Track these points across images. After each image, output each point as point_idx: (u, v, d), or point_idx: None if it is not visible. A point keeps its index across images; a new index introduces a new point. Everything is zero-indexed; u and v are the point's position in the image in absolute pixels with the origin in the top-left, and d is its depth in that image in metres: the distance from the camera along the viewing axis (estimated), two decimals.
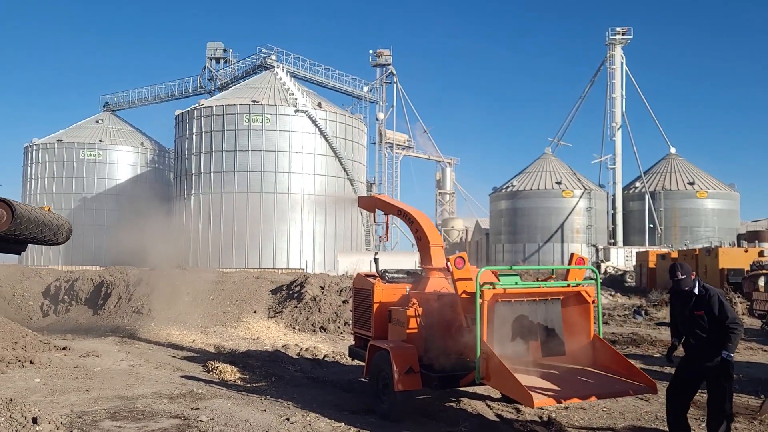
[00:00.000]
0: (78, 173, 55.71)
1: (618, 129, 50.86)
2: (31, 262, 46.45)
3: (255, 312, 16.90)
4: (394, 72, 59.97)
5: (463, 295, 6.86)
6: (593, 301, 7.07)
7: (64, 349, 12.42)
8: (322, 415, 7.70)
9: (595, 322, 7.10)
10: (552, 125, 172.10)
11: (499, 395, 8.77)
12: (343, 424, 7.37)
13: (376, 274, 8.89)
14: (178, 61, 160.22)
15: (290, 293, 17.50)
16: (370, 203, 10.07)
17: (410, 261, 41.50)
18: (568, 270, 7.33)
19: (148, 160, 59.94)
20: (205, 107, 48.80)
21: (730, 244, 39.34)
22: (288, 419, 7.52)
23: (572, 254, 7.58)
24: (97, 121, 60.00)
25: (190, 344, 13.17)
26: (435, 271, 8.59)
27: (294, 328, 15.52)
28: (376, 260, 9.30)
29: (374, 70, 60.23)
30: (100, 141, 56.84)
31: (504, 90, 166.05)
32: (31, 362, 10.84)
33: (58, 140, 56.45)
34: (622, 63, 51.13)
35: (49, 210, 7.46)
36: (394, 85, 60.13)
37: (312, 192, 47.38)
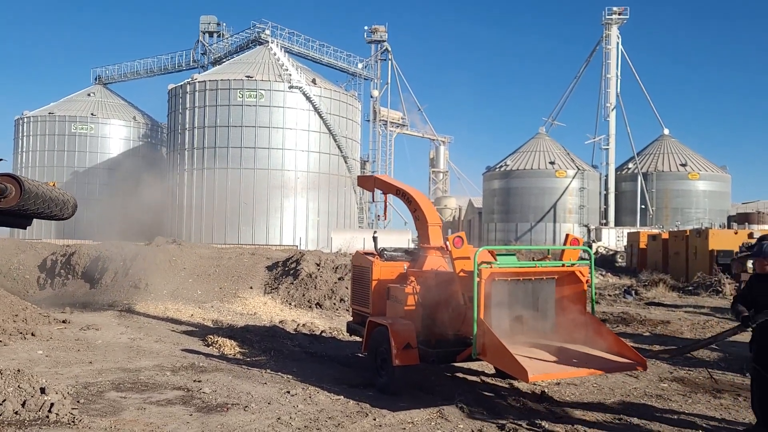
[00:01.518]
0: (70, 147, 55.43)
1: (612, 110, 50.99)
2: (23, 235, 46.40)
3: (251, 288, 17.08)
4: (389, 49, 59.75)
5: (462, 274, 7.05)
6: (587, 281, 7.29)
7: (63, 322, 12.59)
8: (321, 389, 7.92)
9: (588, 301, 7.33)
10: (546, 105, 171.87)
11: (493, 371, 9.03)
12: (342, 396, 7.60)
13: (375, 252, 9.07)
14: (171, 34, 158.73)
15: (286, 270, 17.68)
16: (369, 182, 10.21)
17: (403, 239, 41.81)
18: (563, 250, 7.53)
19: (140, 135, 59.69)
20: (199, 82, 48.53)
21: (720, 226, 39.77)
22: (288, 392, 7.74)
23: (567, 235, 7.78)
24: (89, 95, 59.57)
25: (189, 318, 13.37)
26: (433, 249, 8.77)
27: (290, 304, 15.73)
28: (374, 238, 9.47)
29: (369, 47, 60.01)
30: (92, 114, 56.50)
31: (499, 69, 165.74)
32: (32, 335, 11.01)
33: (49, 113, 56.07)
34: (617, 43, 51.09)
35: (54, 185, 7.59)
36: (389, 62, 59.94)
37: (306, 169, 47.43)
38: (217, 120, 47.39)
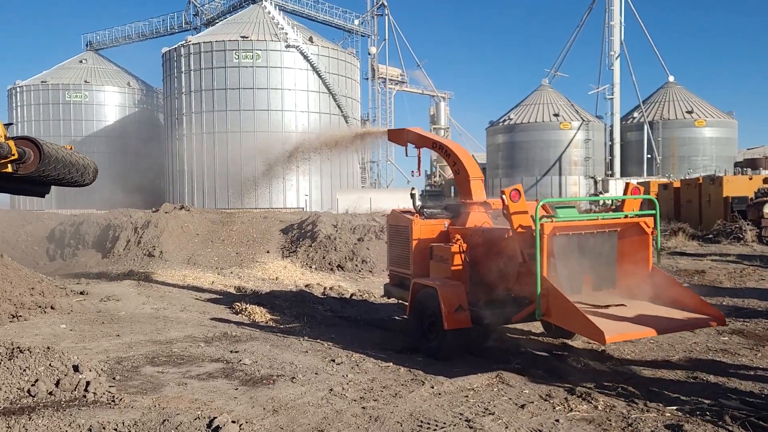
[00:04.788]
0: (65, 115, 54.42)
1: (616, 58, 49.92)
2: (25, 206, 45.81)
3: (268, 252, 16.63)
4: (386, 3, 58.31)
5: (520, 229, 6.56)
6: (652, 233, 6.80)
7: (81, 293, 12.14)
8: (366, 355, 7.50)
9: (654, 254, 6.86)
10: (549, 56, 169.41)
11: (540, 329, 8.63)
12: (391, 363, 7.18)
13: (414, 210, 8.56)
14: None
15: (302, 232, 17.21)
16: (400, 136, 9.63)
17: (406, 197, 41.16)
18: (622, 201, 7.03)
19: (135, 101, 58.61)
20: (193, 44, 47.36)
21: (727, 173, 39.31)
22: (333, 360, 7.32)
23: (627, 184, 7.28)
24: (81, 61, 58.27)
25: (210, 286, 12.92)
26: (475, 205, 8.28)
27: (310, 267, 15.30)
28: (413, 195, 8.95)
29: (365, 2, 58.56)
30: (86, 82, 55.33)
31: (499, 20, 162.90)
32: (51, 308, 10.55)
33: (42, 82, 54.88)
34: None
35: (71, 149, 7.04)
36: (386, 17, 58.58)
37: (306, 130, 46.60)
38: (214, 83, 46.39)
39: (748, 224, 22.88)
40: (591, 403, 5.72)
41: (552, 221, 6.40)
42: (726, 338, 8.13)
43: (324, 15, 53.46)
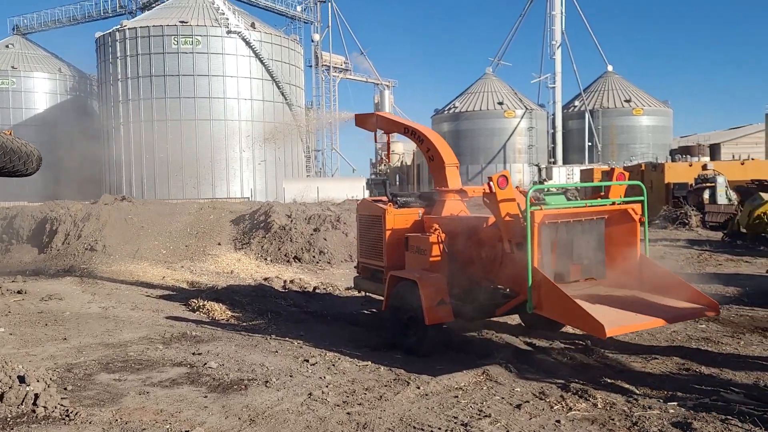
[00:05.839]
0: None
1: (558, 47, 50.62)
2: None
3: (219, 244, 15.89)
4: None
5: (507, 218, 6.21)
6: (640, 220, 6.56)
7: (19, 293, 11.22)
8: (341, 354, 7.05)
9: (642, 241, 6.62)
10: (492, 45, 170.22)
11: (517, 321, 8.35)
12: (369, 362, 6.74)
13: (387, 199, 8.11)
14: None
15: (255, 223, 16.52)
16: (369, 122, 9.15)
17: (358, 186, 40.74)
18: (608, 187, 6.76)
19: (68, 88, 56.08)
20: (129, 29, 45.51)
21: (665, 159, 40.34)
22: (307, 361, 6.83)
23: (613, 169, 7.03)
24: (8, 46, 55.30)
25: (161, 281, 12.15)
26: (450, 193, 7.90)
27: (266, 259, 14.67)
28: (384, 182, 8.51)
29: None
30: (13, 68, 52.57)
31: (442, 8, 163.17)
32: None
33: None
34: None
35: (11, 134, 6.27)
36: (329, 3, 57.69)
37: (249, 118, 45.51)
38: (152, 69, 44.70)
39: (693, 210, 23.40)
40: (589, 400, 5.44)
41: (541, 209, 6.07)
42: (704, 326, 8.03)
43: (266, 1, 52.21)
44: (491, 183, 6.15)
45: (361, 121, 9.27)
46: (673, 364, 6.45)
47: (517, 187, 7.38)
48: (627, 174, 7.02)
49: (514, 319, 8.29)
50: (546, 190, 6.77)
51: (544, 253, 6.18)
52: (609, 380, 5.98)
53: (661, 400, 5.38)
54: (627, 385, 5.79)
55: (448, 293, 6.84)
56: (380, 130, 9.01)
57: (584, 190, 15.79)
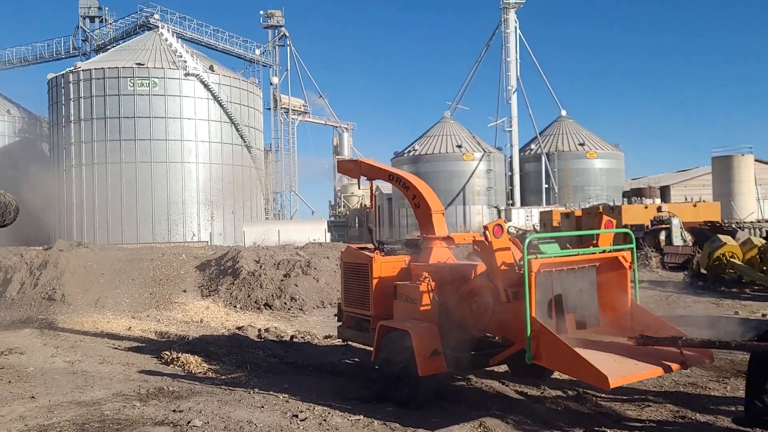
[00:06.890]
0: None
1: (513, 92, 51.81)
2: None
3: (185, 291, 15.41)
4: (287, 34, 57.86)
5: (503, 267, 6.16)
6: (630, 266, 6.61)
7: None
8: (330, 407, 6.79)
9: (632, 288, 6.65)
10: (450, 89, 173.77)
11: (504, 369, 8.25)
12: (361, 416, 6.51)
13: (373, 246, 7.99)
14: (46, 19, 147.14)
15: (222, 269, 16.13)
16: (352, 168, 9.08)
17: (320, 229, 40.50)
18: (597, 235, 6.80)
19: (16, 130, 54.74)
20: (83, 70, 44.82)
21: (616, 201, 41.40)
22: (296, 416, 6.56)
23: (601, 216, 7.07)
24: None
25: (127, 332, 11.65)
26: (437, 240, 7.84)
27: (235, 306, 14.27)
28: (369, 230, 8.36)
29: (266, 33, 57.83)
30: None
31: (401, 54, 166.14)
32: None
33: None
34: (515, 27, 51.90)
35: None
36: (288, 47, 58.07)
37: (207, 161, 45.06)
38: (107, 111, 43.95)
39: (653, 251, 23.91)
40: None
41: (537, 257, 6.05)
42: (688, 371, 8.03)
43: (224, 44, 52.24)
44: (487, 232, 6.12)
45: (344, 167, 9.19)
46: (668, 412, 6.42)
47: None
48: (614, 222, 7.08)
49: (501, 366, 8.19)
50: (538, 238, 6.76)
51: (540, 302, 6.14)
52: (608, 430, 5.91)
53: None
54: None
55: (441, 343, 6.72)
56: (363, 177, 8.94)
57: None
